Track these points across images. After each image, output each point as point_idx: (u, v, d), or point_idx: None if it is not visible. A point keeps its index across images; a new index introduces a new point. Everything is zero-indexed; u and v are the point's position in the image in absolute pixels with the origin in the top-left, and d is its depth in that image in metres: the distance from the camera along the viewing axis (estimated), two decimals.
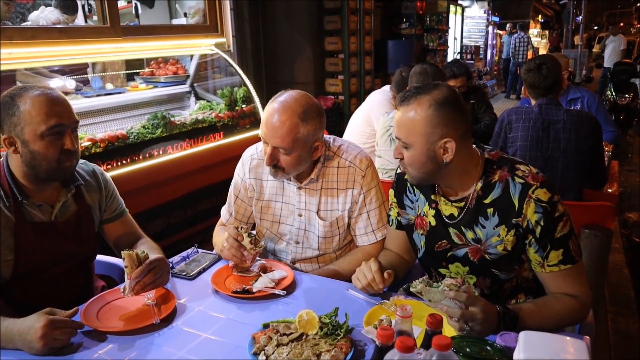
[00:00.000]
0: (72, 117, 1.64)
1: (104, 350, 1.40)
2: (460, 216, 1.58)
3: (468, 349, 1.22)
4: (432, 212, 1.65)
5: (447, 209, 1.61)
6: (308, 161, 1.83)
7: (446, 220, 1.62)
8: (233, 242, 1.74)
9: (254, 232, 1.86)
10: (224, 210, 2.11)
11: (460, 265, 1.62)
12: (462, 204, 1.57)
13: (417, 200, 1.72)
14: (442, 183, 1.60)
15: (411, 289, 1.36)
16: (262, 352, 1.31)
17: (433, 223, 1.65)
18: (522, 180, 1.48)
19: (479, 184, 1.53)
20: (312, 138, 1.77)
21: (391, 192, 1.83)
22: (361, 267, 1.63)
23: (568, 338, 1.14)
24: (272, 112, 1.73)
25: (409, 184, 1.73)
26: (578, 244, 1.50)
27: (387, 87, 3.73)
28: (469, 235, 1.57)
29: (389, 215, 1.86)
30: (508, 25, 14.16)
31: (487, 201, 1.53)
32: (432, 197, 1.64)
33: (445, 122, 1.45)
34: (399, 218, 1.80)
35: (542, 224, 1.45)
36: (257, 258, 1.84)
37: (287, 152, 1.74)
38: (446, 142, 1.46)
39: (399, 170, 1.78)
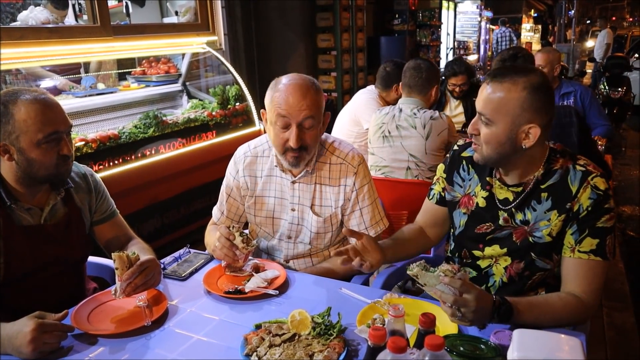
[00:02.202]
0: (66, 122, 1.64)
1: (94, 353, 1.39)
2: (515, 201, 1.57)
3: (462, 348, 1.21)
4: (485, 193, 1.65)
5: (502, 193, 1.61)
6: (320, 136, 1.86)
7: (499, 204, 1.61)
8: (225, 241, 1.73)
9: (246, 231, 1.85)
10: (215, 210, 2.09)
11: (498, 247, 1.61)
12: (520, 189, 1.57)
13: (469, 180, 1.71)
14: (506, 168, 1.59)
15: (407, 272, 1.35)
16: (255, 354, 1.30)
17: (482, 204, 1.65)
18: (583, 168, 1.50)
19: (541, 171, 1.54)
20: (323, 106, 1.81)
21: (441, 166, 1.82)
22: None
23: (563, 336, 1.13)
24: (289, 90, 1.73)
25: (464, 162, 1.73)
26: (615, 245, 1.50)
27: (372, 87, 3.71)
28: (518, 217, 1.57)
29: (431, 189, 1.85)
30: (500, 20, 14.19)
31: (543, 186, 1.54)
32: (487, 179, 1.64)
33: (535, 108, 1.45)
34: (442, 193, 1.80)
35: (590, 209, 1.46)
36: (250, 257, 1.83)
37: (314, 124, 1.75)
38: (531, 127, 1.46)
39: (455, 147, 1.79)
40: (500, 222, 1.61)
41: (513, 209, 1.58)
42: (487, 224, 1.63)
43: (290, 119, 1.73)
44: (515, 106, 1.45)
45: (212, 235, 1.89)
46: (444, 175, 1.80)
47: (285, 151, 1.79)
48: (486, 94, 1.49)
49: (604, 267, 1.48)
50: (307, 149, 1.78)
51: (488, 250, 1.64)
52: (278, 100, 1.74)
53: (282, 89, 1.74)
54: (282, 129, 1.76)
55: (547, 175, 1.54)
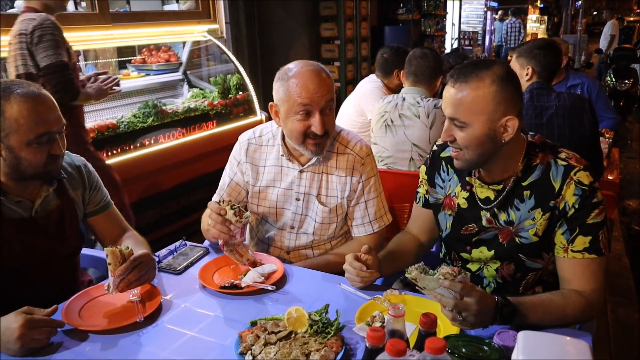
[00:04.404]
0: (59, 121, 1.57)
1: (85, 350, 1.35)
2: (497, 199, 1.52)
3: (464, 349, 1.16)
4: (465, 194, 1.60)
5: (482, 192, 1.56)
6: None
7: (480, 204, 1.56)
8: (217, 217, 1.64)
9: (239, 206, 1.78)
10: (215, 196, 2.04)
11: (486, 249, 1.57)
12: (500, 187, 1.52)
13: (449, 180, 1.67)
14: (486, 166, 1.53)
15: (406, 275, 1.31)
16: (249, 352, 1.26)
17: (464, 205, 1.60)
18: (565, 163, 1.44)
19: (521, 167, 1.48)
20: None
21: (423, 168, 1.78)
22: (344, 267, 1.59)
23: (569, 338, 1.08)
24: (306, 77, 1.69)
25: (444, 163, 1.68)
26: (609, 237, 1.44)
27: (373, 75, 3.64)
28: (502, 217, 1.52)
29: (417, 192, 1.81)
30: (500, 11, 14.03)
31: (524, 183, 1.48)
32: (467, 179, 1.59)
33: (508, 99, 1.39)
34: (426, 196, 1.76)
35: (577, 206, 1.41)
36: (250, 251, 1.77)
37: (333, 107, 1.75)
38: (508, 119, 1.39)
39: (434, 148, 1.74)
40: (484, 222, 1.56)
41: (495, 209, 1.53)
42: (471, 225, 1.59)
43: (313, 106, 1.69)
44: (488, 102, 1.38)
45: (207, 218, 1.83)
46: (426, 177, 1.76)
47: (304, 140, 1.74)
48: (454, 97, 1.41)
49: (601, 263, 1.43)
50: (328, 135, 1.76)
51: (475, 253, 1.60)
52: (296, 89, 1.68)
53: (298, 78, 1.69)
54: (304, 118, 1.71)
55: (528, 171, 1.48)
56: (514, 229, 1.51)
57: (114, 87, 2.96)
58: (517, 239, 1.51)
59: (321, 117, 1.70)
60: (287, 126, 1.76)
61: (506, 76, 1.39)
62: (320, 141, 1.74)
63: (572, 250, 1.43)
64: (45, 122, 1.51)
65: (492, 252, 1.56)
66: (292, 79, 1.70)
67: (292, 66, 1.74)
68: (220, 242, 1.72)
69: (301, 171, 1.85)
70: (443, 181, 1.69)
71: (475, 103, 1.39)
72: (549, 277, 1.57)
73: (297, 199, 1.88)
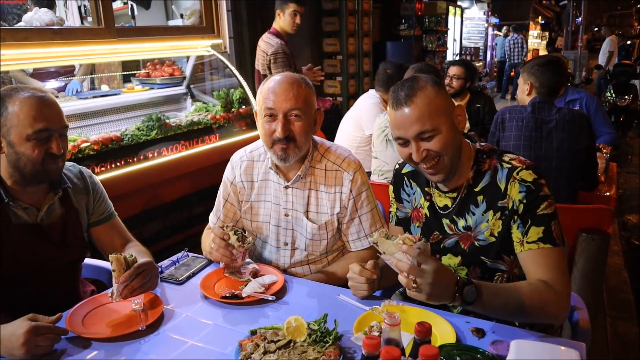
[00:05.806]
0: (60, 121, 1.63)
1: (88, 357, 1.37)
2: (453, 206, 1.60)
3: (458, 358, 1.18)
4: (427, 203, 1.68)
5: (440, 200, 1.64)
6: (312, 134, 1.85)
7: (440, 211, 1.64)
8: (220, 242, 1.69)
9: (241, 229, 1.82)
10: (212, 216, 2.08)
11: (453, 256, 1.62)
12: (455, 194, 1.60)
13: (414, 194, 1.74)
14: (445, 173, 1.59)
15: (368, 239, 1.34)
16: None
17: (428, 215, 1.67)
18: (508, 165, 1.52)
19: (471, 174, 1.57)
20: (314, 104, 1.82)
21: (390, 188, 1.84)
22: (349, 276, 1.61)
23: (563, 348, 1.10)
24: (277, 83, 1.76)
25: (406, 178, 1.75)
26: (561, 230, 1.48)
27: (373, 91, 3.70)
28: (460, 223, 1.59)
29: (389, 212, 1.85)
30: (504, 28, 14.15)
31: (477, 189, 1.57)
32: (426, 189, 1.67)
33: (445, 92, 1.53)
34: (397, 214, 1.81)
35: (524, 201, 1.47)
36: (250, 262, 1.80)
37: (300, 115, 1.75)
38: (457, 108, 1.53)
39: (396, 166, 1.81)
40: (446, 229, 1.63)
41: (454, 216, 1.60)
42: (436, 233, 1.65)
43: (277, 110, 1.74)
44: (442, 102, 1.49)
45: (208, 239, 1.87)
46: (393, 195, 1.83)
47: (273, 144, 1.78)
48: (415, 114, 1.46)
49: (558, 253, 1.45)
50: (295, 141, 1.77)
51: (445, 260, 1.64)
52: (266, 92, 1.77)
53: (270, 84, 1.78)
54: (269, 121, 1.76)
55: (478, 177, 1.57)
56: (473, 233, 1.57)
57: (319, 78, 4.38)
58: (476, 242, 1.57)
59: (284, 121, 1.74)
60: (260, 130, 1.83)
61: (435, 78, 1.53)
62: (286, 146, 1.76)
63: (527, 242, 1.46)
64: (44, 119, 1.57)
65: (459, 258, 1.61)
66: (266, 85, 1.79)
67: (270, 77, 1.83)
68: (221, 264, 1.76)
69: (286, 187, 1.88)
70: (408, 195, 1.77)
71: (435, 108, 1.47)
72: (516, 281, 1.58)
73: (286, 215, 1.90)
